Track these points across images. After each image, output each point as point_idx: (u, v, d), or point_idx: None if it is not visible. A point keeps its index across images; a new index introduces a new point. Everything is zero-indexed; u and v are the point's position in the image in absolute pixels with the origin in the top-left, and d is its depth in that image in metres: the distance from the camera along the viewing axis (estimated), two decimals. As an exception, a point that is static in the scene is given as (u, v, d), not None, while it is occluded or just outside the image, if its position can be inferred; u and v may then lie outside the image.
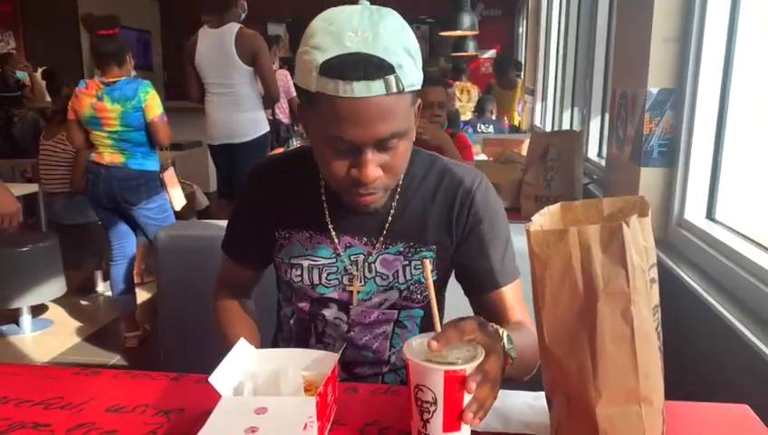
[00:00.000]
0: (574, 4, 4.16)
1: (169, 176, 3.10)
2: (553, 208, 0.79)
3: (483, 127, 5.21)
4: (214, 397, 0.77)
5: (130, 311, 3.11)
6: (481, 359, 0.73)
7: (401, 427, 0.80)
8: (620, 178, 1.99)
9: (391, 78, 0.82)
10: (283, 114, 4.29)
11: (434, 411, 0.72)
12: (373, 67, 0.81)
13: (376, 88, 0.81)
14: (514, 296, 1.03)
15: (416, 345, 0.76)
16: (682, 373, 1.45)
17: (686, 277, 1.50)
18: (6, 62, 6.32)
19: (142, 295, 3.57)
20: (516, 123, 6.21)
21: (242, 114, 3.47)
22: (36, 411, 0.87)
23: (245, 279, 1.16)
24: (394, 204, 1.02)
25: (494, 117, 5.48)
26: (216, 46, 3.34)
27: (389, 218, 1.02)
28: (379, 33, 0.82)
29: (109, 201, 2.89)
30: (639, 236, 0.67)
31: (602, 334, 0.67)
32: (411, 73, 0.85)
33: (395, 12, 0.89)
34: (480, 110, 5.56)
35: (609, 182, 2.19)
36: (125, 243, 3.06)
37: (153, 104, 2.78)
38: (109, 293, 3.78)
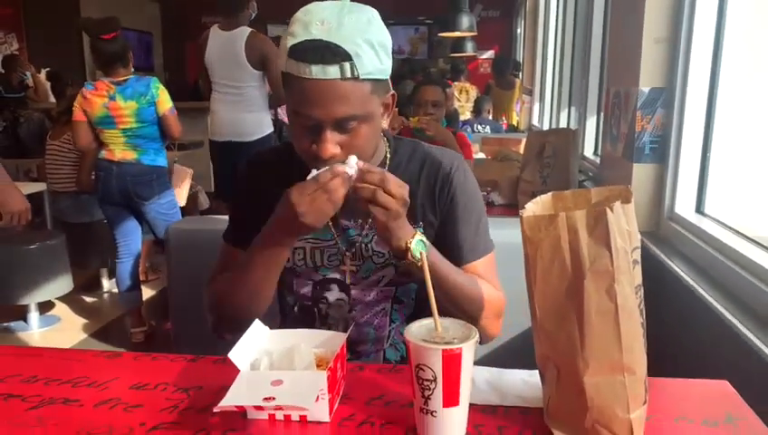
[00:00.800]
0: (571, 6, 4.23)
1: (185, 173, 3.18)
2: (545, 197, 0.86)
3: (480, 127, 5.28)
4: (230, 375, 0.83)
5: (136, 307, 3.17)
6: (476, 338, 0.79)
7: (404, 401, 0.86)
8: (614, 175, 2.05)
9: (346, 65, 0.91)
10: (285, 115, 4.35)
11: (434, 389, 0.77)
12: (330, 53, 0.91)
13: (331, 72, 0.91)
14: (485, 269, 1.13)
15: (415, 329, 0.82)
16: (671, 356, 1.51)
17: (676, 268, 1.57)
18: (13, 63, 6.38)
19: (147, 293, 3.63)
20: (515, 123, 6.28)
21: (248, 114, 3.51)
22: (65, 389, 0.93)
23: None
24: None
25: (490, 117, 5.54)
26: (226, 49, 3.36)
27: None
28: (342, 24, 0.92)
29: (121, 197, 2.95)
30: (622, 220, 0.74)
31: (589, 310, 0.73)
32: (369, 63, 0.93)
33: (372, 9, 0.98)
34: (477, 110, 5.63)
35: (604, 178, 2.26)
36: (131, 240, 3.12)
37: (164, 98, 2.86)
38: (114, 290, 3.84)
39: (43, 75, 6.54)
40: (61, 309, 3.63)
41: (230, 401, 0.77)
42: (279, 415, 0.82)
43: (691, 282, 1.47)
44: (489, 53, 9.77)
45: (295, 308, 1.18)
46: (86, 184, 3.40)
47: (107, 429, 0.82)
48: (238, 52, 3.35)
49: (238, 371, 0.84)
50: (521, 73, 6.73)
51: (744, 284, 1.32)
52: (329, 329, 1.14)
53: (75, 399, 0.90)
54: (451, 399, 0.77)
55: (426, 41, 10.30)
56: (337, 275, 1.13)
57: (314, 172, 0.92)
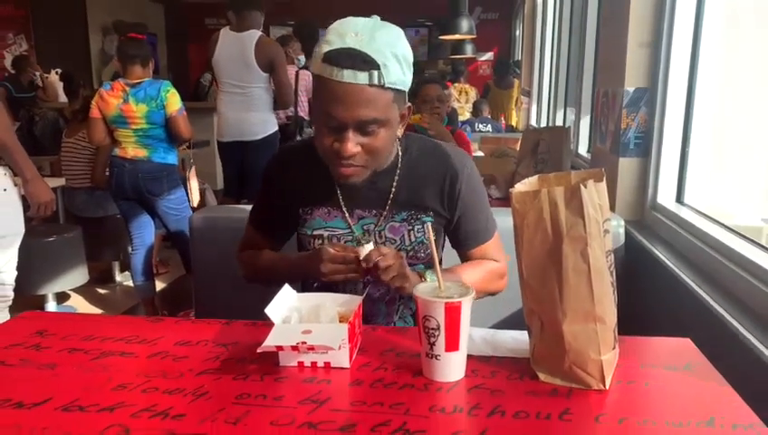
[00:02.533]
0: (567, 9, 4.38)
1: (192, 173, 3.33)
2: (532, 179, 1.01)
3: (481, 126, 5.42)
4: (261, 334, 0.97)
5: (150, 296, 3.32)
6: (473, 295, 0.94)
7: (412, 353, 1.01)
8: (602, 166, 2.20)
9: (375, 73, 1.04)
10: (303, 112, 4.47)
11: (438, 336, 0.92)
12: (361, 61, 1.03)
13: (361, 78, 1.04)
14: (493, 247, 1.32)
15: (422, 287, 0.98)
16: (652, 329, 1.65)
17: (658, 253, 1.71)
18: (24, 64, 6.53)
19: (158, 285, 3.77)
20: (513, 123, 6.43)
21: (253, 114, 3.62)
22: (120, 345, 1.08)
23: (265, 248, 1.37)
24: (396, 179, 1.25)
25: (488, 117, 5.69)
26: (236, 50, 3.48)
27: (392, 192, 1.25)
28: (374, 38, 1.05)
29: (133, 192, 3.10)
30: (594, 195, 0.89)
31: (566, 269, 0.88)
32: (395, 74, 1.07)
33: (399, 28, 1.12)
34: (476, 111, 5.79)
35: (593, 168, 2.40)
36: (144, 232, 3.27)
37: (173, 101, 3.00)
38: (126, 282, 4.00)
39: (52, 76, 6.68)
40: (76, 300, 3.78)
41: (270, 342, 0.92)
42: (307, 362, 0.97)
43: (671, 265, 1.61)
44: (488, 55, 9.92)
45: (315, 285, 1.33)
46: (100, 180, 3.56)
47: (161, 373, 0.97)
48: (248, 53, 3.47)
49: (267, 330, 0.98)
50: (519, 72, 6.88)
51: (719, 266, 1.44)
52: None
53: (130, 352, 1.05)
54: (452, 344, 0.92)
55: (426, 43, 10.44)
56: None
57: (365, 249, 1.10)
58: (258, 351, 0.92)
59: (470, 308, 0.93)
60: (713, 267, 1.48)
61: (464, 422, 0.83)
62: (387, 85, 1.06)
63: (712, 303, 1.34)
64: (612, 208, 1.98)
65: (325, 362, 0.97)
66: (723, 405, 0.86)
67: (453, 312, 0.91)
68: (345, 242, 1.27)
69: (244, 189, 3.77)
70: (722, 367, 0.97)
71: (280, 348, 0.93)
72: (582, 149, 3.25)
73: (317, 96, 1.11)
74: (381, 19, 1.12)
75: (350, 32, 1.05)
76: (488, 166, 2.66)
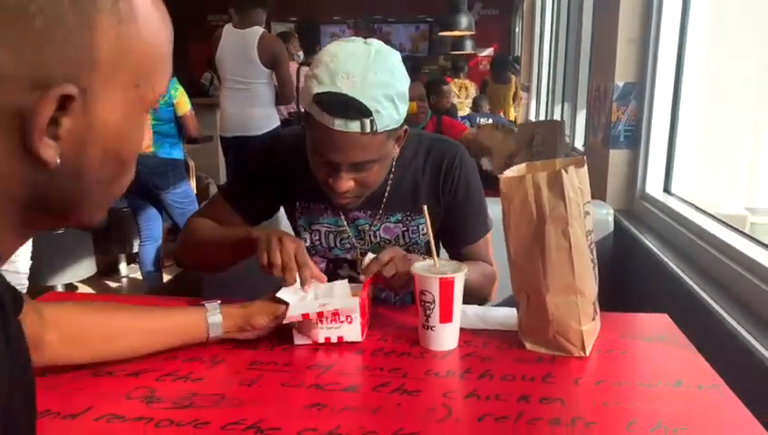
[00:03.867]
0: (564, 6, 4.45)
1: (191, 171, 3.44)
2: (520, 166, 1.10)
3: (482, 120, 5.49)
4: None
5: (157, 287, 3.42)
6: (465, 271, 1.02)
7: (410, 326, 1.10)
8: (595, 161, 2.29)
9: (367, 121, 1.01)
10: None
11: (433, 308, 1.01)
12: (353, 110, 1.00)
13: (352, 126, 1.01)
14: (482, 248, 1.32)
15: (419, 265, 1.06)
16: (636, 309, 1.73)
17: (646, 241, 1.80)
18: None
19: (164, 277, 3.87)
20: (512, 118, 6.50)
21: (256, 109, 3.67)
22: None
23: (231, 224, 1.26)
24: (390, 181, 1.24)
25: (488, 112, 5.77)
26: (238, 46, 3.54)
27: (386, 194, 1.25)
28: (366, 80, 1.00)
29: (139, 187, 3.19)
30: (575, 180, 0.98)
31: (549, 247, 0.97)
32: (388, 117, 1.03)
33: (395, 54, 1.08)
34: (476, 106, 5.86)
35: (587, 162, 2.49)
36: (153, 225, 3.36)
37: (183, 100, 3.09)
38: (132, 275, 4.08)
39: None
40: (84, 291, 3.87)
41: (294, 312, 0.99)
42: (321, 338, 1.04)
43: (657, 251, 1.69)
44: (488, 51, 9.97)
45: None
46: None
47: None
48: (250, 49, 3.54)
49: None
50: (519, 68, 6.95)
51: (703, 252, 1.52)
52: None
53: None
54: (446, 316, 1.01)
55: (426, 38, 10.48)
56: (349, 256, 1.30)
57: (366, 259, 1.10)
58: (284, 322, 1.00)
59: (462, 283, 1.02)
60: (697, 253, 1.56)
61: (456, 383, 0.92)
62: (379, 131, 1.04)
63: (694, 286, 1.42)
64: (603, 198, 2.07)
65: (338, 337, 1.04)
66: (691, 369, 0.95)
67: (447, 286, 1.00)
68: (341, 239, 1.28)
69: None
70: (700, 343, 1.04)
71: (306, 316, 1.00)
72: (579, 143, 3.33)
73: (309, 131, 1.09)
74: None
75: (341, 72, 1.00)
76: (488, 136, 2.72)
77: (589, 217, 1.01)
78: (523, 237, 1.00)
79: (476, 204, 1.30)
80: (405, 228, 1.28)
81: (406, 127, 1.15)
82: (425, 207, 1.11)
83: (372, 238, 1.29)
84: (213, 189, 5.05)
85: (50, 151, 0.45)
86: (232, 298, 1.08)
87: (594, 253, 1.02)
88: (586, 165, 1.02)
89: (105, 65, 0.46)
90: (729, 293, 1.33)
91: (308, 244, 1.30)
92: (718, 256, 1.44)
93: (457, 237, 1.31)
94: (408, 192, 1.27)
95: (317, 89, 1.02)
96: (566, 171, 0.96)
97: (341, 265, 1.33)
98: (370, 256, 1.10)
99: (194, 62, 10.29)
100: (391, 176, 1.24)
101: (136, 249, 3.52)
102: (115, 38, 0.46)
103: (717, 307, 1.27)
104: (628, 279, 1.90)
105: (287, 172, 1.26)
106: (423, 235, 1.28)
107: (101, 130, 0.47)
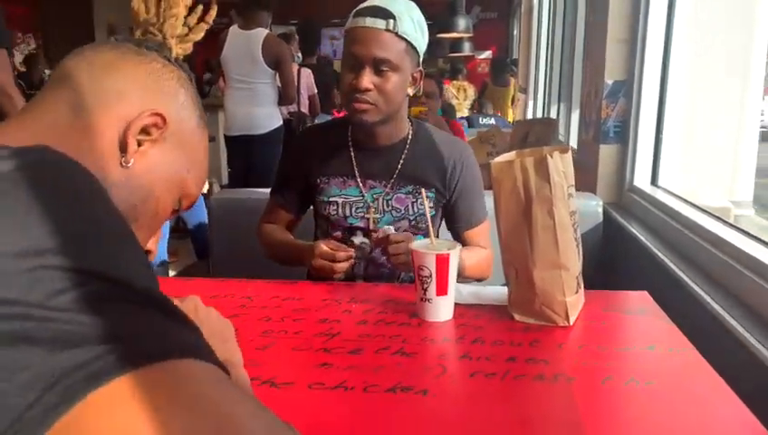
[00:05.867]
0: (560, 8, 4.55)
1: None
2: (510, 153, 1.19)
3: (484, 121, 5.56)
4: (281, 289, 1.16)
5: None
6: (459, 248, 1.12)
7: (408, 301, 1.19)
8: (586, 156, 2.38)
9: (391, 21, 1.28)
10: (304, 108, 4.62)
11: (430, 283, 1.11)
12: (381, 12, 1.28)
13: (379, 24, 1.28)
14: (481, 232, 1.50)
15: (417, 243, 1.16)
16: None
17: (635, 232, 1.88)
18: (35, 62, 6.72)
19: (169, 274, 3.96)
20: (511, 120, 6.59)
21: (259, 108, 3.76)
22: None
23: (284, 220, 1.54)
24: (403, 156, 1.44)
25: (490, 113, 5.86)
26: (243, 47, 3.63)
27: (399, 166, 1.44)
28: (396, 1, 1.31)
29: None
30: (560, 164, 1.07)
31: (536, 225, 1.07)
32: (408, 27, 1.29)
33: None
34: (481, 107, 5.97)
35: (579, 160, 2.58)
36: (159, 221, 3.45)
37: None
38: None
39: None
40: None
41: None
42: None
43: (646, 241, 1.77)
44: (487, 54, 10.07)
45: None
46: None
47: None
48: (254, 50, 3.62)
49: (285, 286, 1.15)
50: (516, 70, 7.04)
51: (688, 241, 1.59)
52: (353, 266, 1.46)
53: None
54: (442, 289, 1.10)
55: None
56: (362, 224, 1.45)
57: (386, 230, 1.34)
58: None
59: (457, 260, 1.11)
60: (682, 242, 1.63)
61: (450, 347, 1.02)
62: (400, 34, 1.28)
63: (677, 271, 1.49)
64: (593, 191, 2.17)
65: None
66: (664, 336, 1.04)
67: (442, 262, 1.09)
68: (356, 208, 1.45)
69: (249, 182, 3.94)
70: (682, 324, 1.12)
71: None
72: (573, 141, 3.42)
73: (344, 44, 1.34)
74: None
75: None
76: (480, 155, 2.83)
77: (572, 199, 1.10)
78: (512, 217, 1.09)
79: (478, 193, 1.49)
80: (414, 200, 1.44)
81: (422, 69, 1.40)
82: (423, 191, 1.22)
83: (385, 207, 1.44)
84: (216, 189, 5.14)
85: (131, 148, 0.60)
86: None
87: (578, 232, 1.11)
88: (570, 152, 1.12)
89: (183, 135, 0.65)
90: (711, 277, 1.41)
91: (326, 213, 1.46)
92: (703, 245, 1.50)
93: (463, 222, 1.49)
94: (418, 167, 1.44)
95: (358, 8, 1.31)
96: (551, 156, 1.05)
97: (355, 233, 1.47)
98: (389, 228, 1.30)
99: (197, 64, 10.40)
100: (407, 148, 1.44)
101: (142, 245, 3.61)
102: (194, 128, 0.68)
103: (698, 290, 1.34)
104: (616, 268, 1.99)
105: (313, 154, 1.47)
106: (430, 207, 1.43)
107: (158, 168, 0.63)
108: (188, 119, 0.66)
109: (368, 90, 1.30)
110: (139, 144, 0.60)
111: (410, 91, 1.41)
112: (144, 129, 0.60)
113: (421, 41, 1.35)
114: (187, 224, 3.45)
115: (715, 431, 0.79)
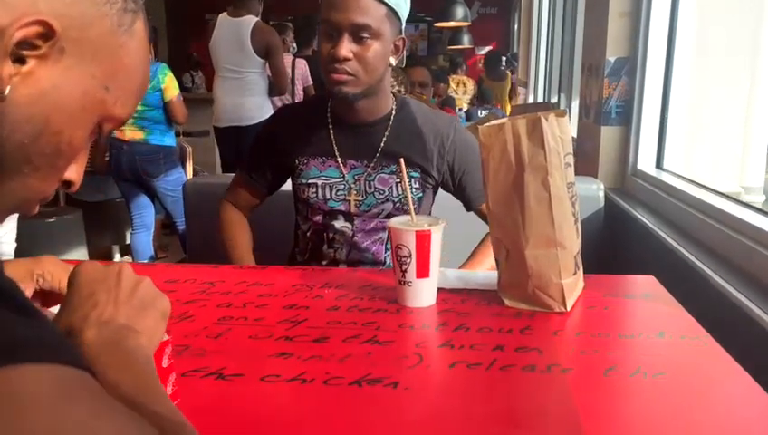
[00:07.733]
0: (560, 1, 4.44)
1: (185, 151, 3.41)
2: (502, 119, 1.06)
3: (483, 114, 5.45)
4: (248, 274, 1.05)
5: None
6: (443, 224, 0.99)
7: (388, 287, 1.06)
8: (586, 140, 2.26)
9: None
10: (298, 99, 4.51)
11: (409, 263, 0.98)
12: None
13: None
14: None
15: (395, 220, 1.03)
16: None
17: (640, 217, 1.76)
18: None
19: (157, 267, 3.84)
20: (508, 113, 6.47)
21: (249, 98, 3.67)
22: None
23: (249, 197, 1.43)
24: (387, 132, 1.32)
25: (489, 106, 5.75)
26: (232, 35, 3.53)
27: (382, 144, 1.31)
28: None
29: (131, 174, 3.16)
30: (556, 128, 0.94)
31: (528, 197, 0.94)
32: None
33: None
34: (482, 100, 5.86)
35: (579, 144, 2.45)
36: (145, 213, 3.33)
37: (171, 85, 3.06)
38: (126, 266, 4.05)
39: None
40: (76, 282, 3.83)
41: None
42: None
43: (651, 225, 1.65)
44: (487, 49, 9.96)
45: (308, 233, 1.39)
46: (100, 166, 3.61)
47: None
48: (243, 38, 3.53)
49: (254, 272, 1.03)
50: (517, 65, 6.93)
51: (698, 222, 1.48)
52: (335, 251, 1.35)
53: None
54: (423, 271, 0.97)
55: (426, 38, 10.46)
56: (343, 208, 1.33)
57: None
58: None
59: (440, 238, 0.98)
60: (691, 223, 1.52)
61: (430, 335, 0.89)
62: None
63: (686, 253, 1.38)
64: (594, 175, 2.04)
65: None
66: (674, 322, 0.92)
67: (423, 239, 0.96)
68: (337, 191, 1.33)
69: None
70: (690, 307, 1.00)
71: None
72: (573, 132, 3.30)
73: (321, 13, 1.21)
74: None
75: None
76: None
77: (570, 169, 0.97)
78: (501, 188, 0.97)
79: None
80: (398, 180, 1.32)
81: (404, 37, 1.28)
82: (401, 160, 1.09)
83: (367, 189, 1.32)
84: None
85: (5, 72, 0.44)
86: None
87: (576, 206, 0.99)
88: (567, 116, 0.99)
89: (90, 43, 0.48)
90: (725, 259, 1.30)
91: (305, 196, 1.34)
92: (716, 225, 1.40)
93: (473, 199, 1.36)
94: (402, 145, 1.31)
95: None
96: (546, 119, 0.93)
97: (336, 217, 1.35)
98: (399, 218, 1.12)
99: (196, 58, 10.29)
100: (390, 125, 1.32)
101: (129, 241, 3.50)
102: (108, 32, 0.49)
103: (712, 273, 1.23)
104: (618, 255, 1.87)
105: (290, 132, 1.36)
106: (416, 189, 1.32)
107: (54, 93, 0.47)
108: (101, 17, 0.48)
109: (346, 59, 1.18)
110: (22, 62, 0.45)
111: (393, 61, 1.28)
112: (24, 41, 0.44)
113: (403, 6, 1.23)
114: (176, 223, 3.34)
115: (739, 430, 0.67)
